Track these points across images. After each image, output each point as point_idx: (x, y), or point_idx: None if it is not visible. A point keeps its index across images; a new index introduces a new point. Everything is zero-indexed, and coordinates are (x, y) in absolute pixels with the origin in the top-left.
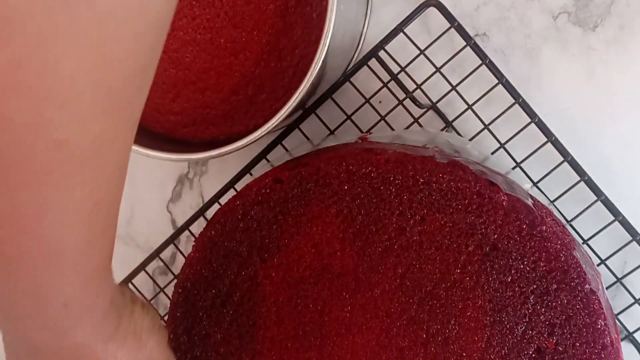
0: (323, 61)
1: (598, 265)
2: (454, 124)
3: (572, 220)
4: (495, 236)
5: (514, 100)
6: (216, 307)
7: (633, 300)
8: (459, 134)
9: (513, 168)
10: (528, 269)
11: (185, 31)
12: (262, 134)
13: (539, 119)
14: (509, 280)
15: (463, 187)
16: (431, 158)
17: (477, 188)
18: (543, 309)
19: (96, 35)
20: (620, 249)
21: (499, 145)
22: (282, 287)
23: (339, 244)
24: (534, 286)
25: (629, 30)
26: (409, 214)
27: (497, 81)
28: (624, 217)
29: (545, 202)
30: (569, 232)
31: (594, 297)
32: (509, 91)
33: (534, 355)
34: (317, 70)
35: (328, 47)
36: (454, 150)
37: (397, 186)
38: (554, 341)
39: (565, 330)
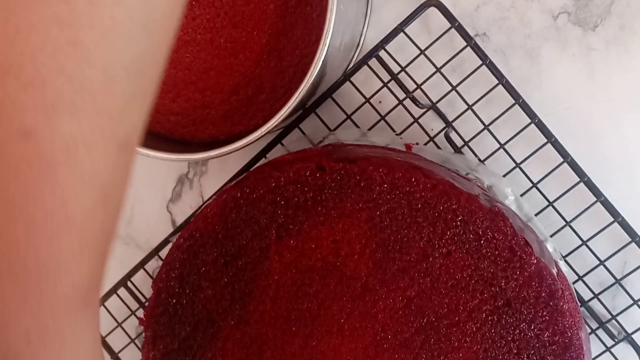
0: (323, 61)
1: (597, 266)
2: (454, 124)
3: (571, 221)
4: (512, 294)
5: (514, 101)
6: (217, 265)
7: (632, 302)
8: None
9: (513, 168)
10: (532, 334)
11: (185, 31)
12: (262, 134)
13: (539, 120)
14: (510, 338)
15: (499, 238)
16: (476, 198)
17: (512, 244)
18: None
19: None
20: (619, 250)
21: (498, 145)
22: (290, 268)
23: (359, 248)
24: (532, 351)
25: (629, 30)
26: (437, 244)
27: (497, 81)
28: (623, 218)
29: (544, 203)
30: (580, 312)
31: None
32: (509, 91)
33: None
34: (317, 70)
35: (328, 47)
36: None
37: (436, 214)
38: None
39: None
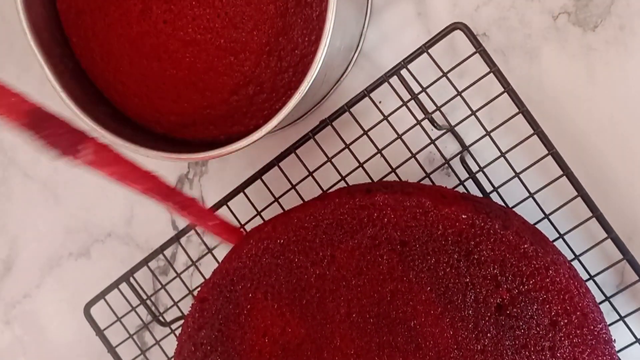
0: (323, 61)
1: (587, 280)
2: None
3: (565, 234)
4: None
5: (532, 130)
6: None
7: (618, 318)
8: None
9: (512, 178)
10: None
11: (185, 31)
12: (262, 134)
13: (541, 130)
14: None
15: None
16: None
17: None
18: None
19: None
20: (610, 267)
21: (499, 153)
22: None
23: (432, 320)
24: None
25: (629, 30)
26: None
27: (504, 92)
28: (616, 234)
29: (540, 215)
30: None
31: None
32: (529, 121)
33: None
34: (317, 70)
35: (328, 47)
36: None
37: None
38: None
39: None
